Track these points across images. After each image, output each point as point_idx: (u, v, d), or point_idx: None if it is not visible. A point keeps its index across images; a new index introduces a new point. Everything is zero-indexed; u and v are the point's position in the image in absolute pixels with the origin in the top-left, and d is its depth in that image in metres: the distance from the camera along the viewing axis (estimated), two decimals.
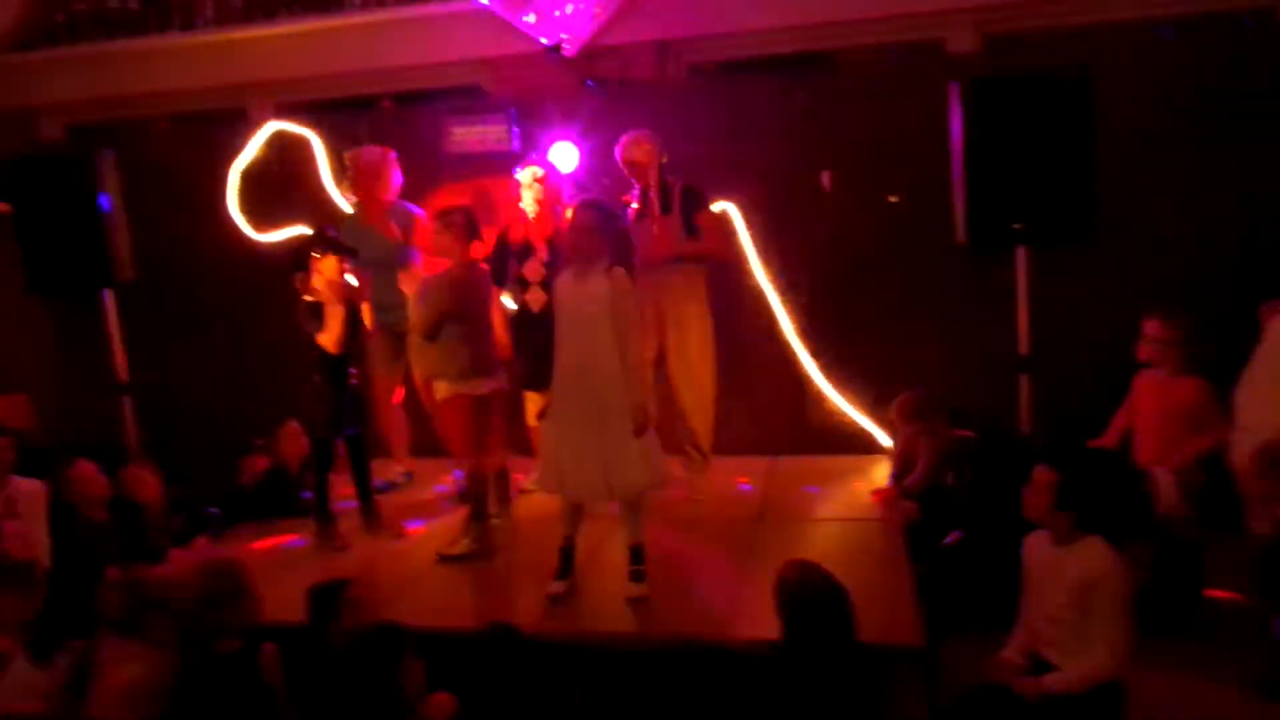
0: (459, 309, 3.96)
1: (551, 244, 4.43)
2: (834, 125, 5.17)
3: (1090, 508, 2.89)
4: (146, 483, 4.46)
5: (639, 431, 3.45)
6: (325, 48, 5.79)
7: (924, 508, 4.26)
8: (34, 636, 3.09)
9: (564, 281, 3.56)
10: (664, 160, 4.53)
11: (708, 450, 4.77)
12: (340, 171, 4.92)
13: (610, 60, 5.42)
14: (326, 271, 4.18)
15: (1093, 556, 2.82)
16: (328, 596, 3.04)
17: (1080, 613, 2.80)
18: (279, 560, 4.16)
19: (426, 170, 5.34)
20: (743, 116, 5.26)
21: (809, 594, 2.60)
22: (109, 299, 5.48)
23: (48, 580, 3.86)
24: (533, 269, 4.50)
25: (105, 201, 5.29)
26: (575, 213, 3.56)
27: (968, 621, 3.85)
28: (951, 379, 5.15)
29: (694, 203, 4.57)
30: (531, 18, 5.15)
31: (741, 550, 3.96)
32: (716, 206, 5.22)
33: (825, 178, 5.20)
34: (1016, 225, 4.38)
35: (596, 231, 3.48)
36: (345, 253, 4.27)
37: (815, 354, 5.31)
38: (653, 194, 4.47)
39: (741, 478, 4.97)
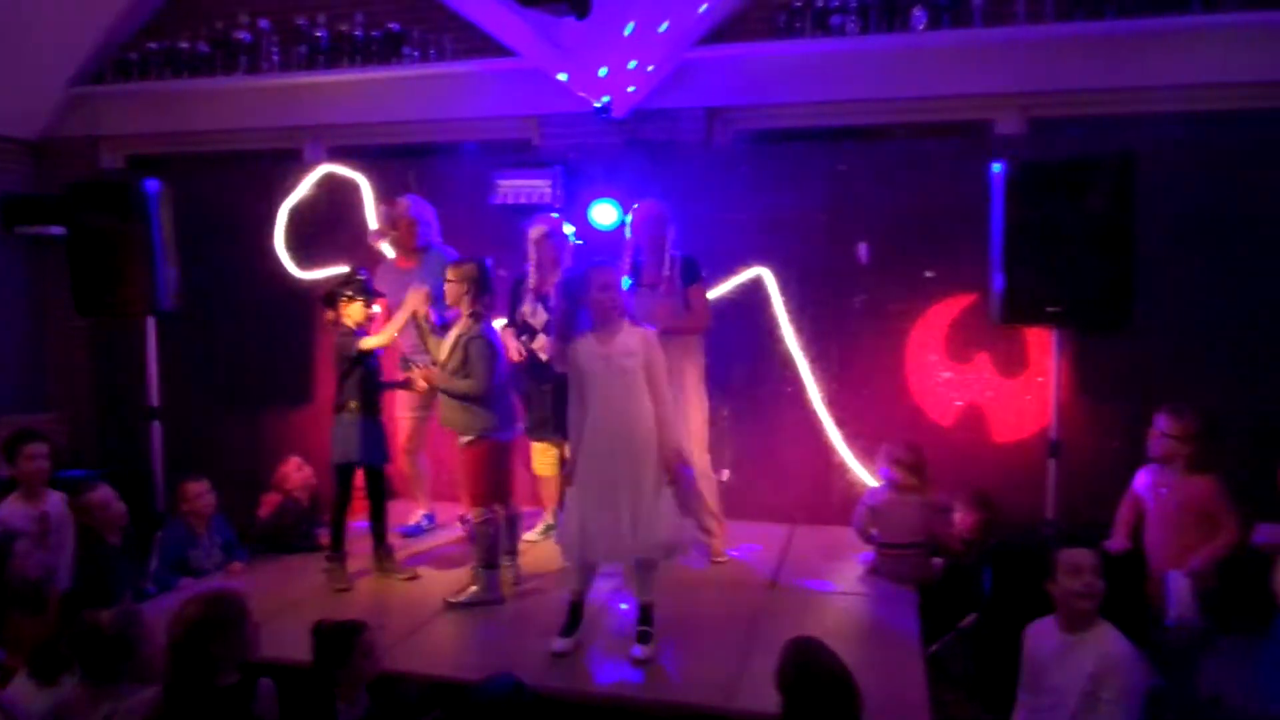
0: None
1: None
2: (876, 198, 5.19)
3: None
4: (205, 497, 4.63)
5: (674, 476, 3.48)
6: (381, 97, 5.95)
7: (940, 587, 4.18)
8: (39, 656, 3.08)
9: (587, 343, 3.56)
10: (669, 232, 4.49)
11: (719, 513, 4.71)
12: (382, 216, 5.02)
13: (659, 123, 5.50)
14: (353, 314, 4.27)
15: (1107, 643, 2.73)
16: (337, 639, 3.00)
17: (1088, 704, 2.70)
18: (284, 595, 4.14)
19: (472, 221, 5.45)
20: (785, 184, 5.30)
21: (812, 677, 2.53)
22: (151, 326, 5.57)
23: (65, 601, 3.91)
24: (539, 317, 4.64)
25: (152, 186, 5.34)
26: (599, 274, 3.57)
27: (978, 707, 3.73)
28: (979, 460, 5.07)
29: (690, 275, 4.53)
30: (564, 76, 5.23)
31: (750, 617, 3.88)
32: (750, 271, 5.26)
33: (862, 250, 5.22)
34: (1052, 308, 4.33)
35: (619, 290, 3.57)
36: (371, 296, 4.36)
37: (841, 424, 5.27)
38: (654, 261, 4.47)
39: (757, 544, 4.88)
